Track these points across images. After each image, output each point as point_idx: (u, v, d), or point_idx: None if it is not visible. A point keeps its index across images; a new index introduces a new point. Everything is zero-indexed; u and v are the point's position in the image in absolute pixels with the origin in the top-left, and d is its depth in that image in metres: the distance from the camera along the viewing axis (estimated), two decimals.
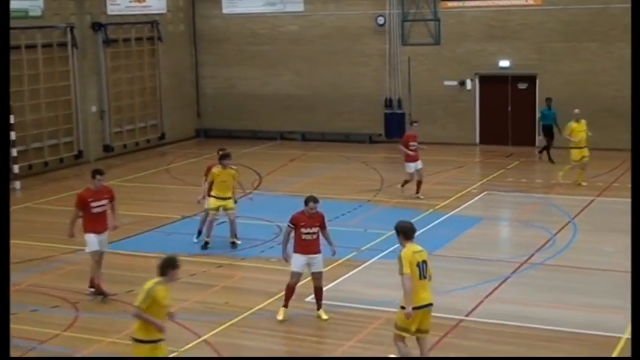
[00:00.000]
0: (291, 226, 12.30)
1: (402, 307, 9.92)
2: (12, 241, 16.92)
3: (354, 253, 15.55)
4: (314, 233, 12.29)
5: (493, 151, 26.05)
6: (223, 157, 15.99)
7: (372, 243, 16.19)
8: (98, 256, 13.49)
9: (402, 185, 19.98)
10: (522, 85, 26.74)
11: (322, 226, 12.44)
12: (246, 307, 12.75)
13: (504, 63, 26.65)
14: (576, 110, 21.39)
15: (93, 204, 13.30)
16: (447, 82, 27.39)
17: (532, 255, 15.24)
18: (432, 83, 27.61)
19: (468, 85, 27.15)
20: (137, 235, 17.40)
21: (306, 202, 12.26)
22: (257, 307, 12.78)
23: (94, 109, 26.44)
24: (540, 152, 24.67)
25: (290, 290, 12.35)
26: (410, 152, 19.55)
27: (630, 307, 9.24)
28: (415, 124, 20.42)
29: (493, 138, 27.01)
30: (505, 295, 13.23)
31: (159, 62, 28.84)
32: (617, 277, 13.96)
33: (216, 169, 16.02)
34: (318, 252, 12.37)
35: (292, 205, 18.98)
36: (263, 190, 21.36)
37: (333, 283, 13.90)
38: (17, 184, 22.25)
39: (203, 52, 30.72)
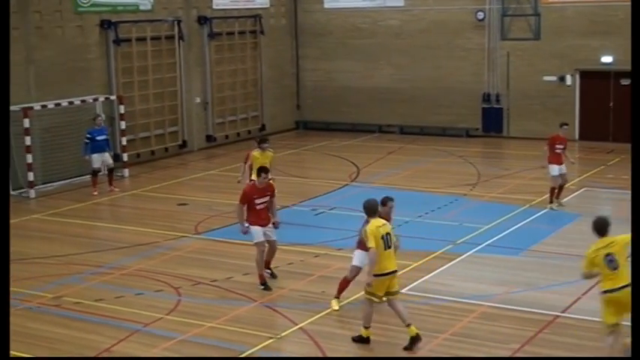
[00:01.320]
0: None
1: (374, 275, 11.09)
2: (120, 227, 17.99)
3: (449, 246, 15.72)
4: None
5: (593, 147, 25.69)
6: (262, 142, 17.04)
7: (468, 236, 16.31)
8: (264, 247, 13.68)
9: (552, 195, 18.34)
10: (625, 81, 26.26)
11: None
12: (343, 298, 13.05)
13: (607, 59, 26.22)
14: None
15: (257, 200, 13.54)
16: (546, 78, 27.12)
17: (630, 254, 15.08)
18: (530, 78, 27.38)
19: (568, 80, 26.82)
20: (237, 223, 17.87)
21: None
22: (352, 298, 13.05)
23: (197, 100, 27.25)
24: None
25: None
26: (554, 153, 18.31)
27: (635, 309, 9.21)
28: (565, 127, 18.86)
29: (593, 134, 26.60)
30: None
31: (260, 55, 29.47)
32: None
33: (256, 152, 16.81)
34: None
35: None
36: (360, 182, 21.68)
37: (429, 276, 14.13)
38: (125, 172, 23.18)
39: (304, 46, 31.21)
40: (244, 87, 29.05)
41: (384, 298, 11.35)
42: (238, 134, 28.71)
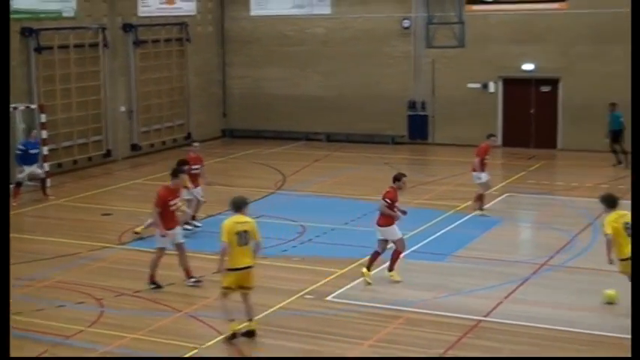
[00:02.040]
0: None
1: (228, 270, 11.65)
2: (41, 238, 17.58)
3: None
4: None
5: (515, 153, 26.17)
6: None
7: None
8: (164, 253, 14.04)
9: (481, 201, 18.66)
10: (545, 88, 26.85)
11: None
12: (268, 306, 12.99)
13: (528, 66, 26.75)
14: None
15: (171, 202, 13.94)
16: (470, 85, 27.55)
17: (552, 257, 15.40)
18: (455, 85, 27.78)
19: (491, 87, 27.29)
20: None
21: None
22: (278, 306, 13.03)
23: (122, 108, 26.89)
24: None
25: None
26: (483, 162, 18.63)
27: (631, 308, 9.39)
28: (493, 138, 19.51)
29: (516, 140, 27.12)
30: (524, 297, 13.39)
31: (187, 63, 29.26)
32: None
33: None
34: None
35: (315, 204, 19.40)
36: (287, 190, 21.65)
37: (355, 282, 14.14)
38: (48, 182, 22.69)
39: (231, 53, 31.10)
40: (170, 95, 28.79)
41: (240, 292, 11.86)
42: (164, 143, 28.43)
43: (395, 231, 14.06)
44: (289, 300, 13.33)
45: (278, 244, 16.45)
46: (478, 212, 18.59)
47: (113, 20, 26.40)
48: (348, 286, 13.98)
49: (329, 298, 13.41)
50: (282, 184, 22.50)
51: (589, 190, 20.71)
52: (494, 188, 21.15)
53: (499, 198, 20.32)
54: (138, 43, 27.05)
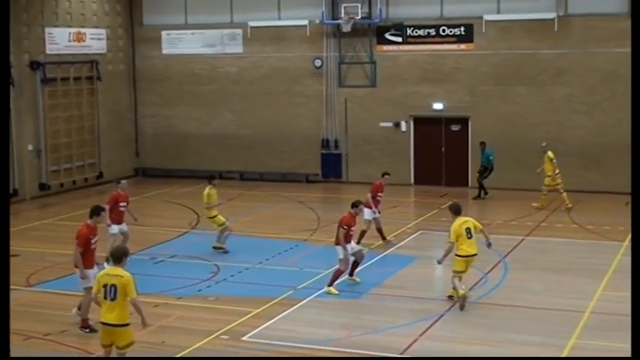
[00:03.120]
0: None
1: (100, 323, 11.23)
2: None
3: (290, 292, 15.73)
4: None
5: (427, 191, 26.58)
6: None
7: (309, 281, 16.39)
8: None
9: (361, 237, 18.81)
10: (455, 127, 27.42)
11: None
12: (183, 347, 12.79)
13: (438, 105, 27.31)
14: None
15: (92, 240, 13.75)
16: (382, 124, 27.94)
17: None
18: (368, 124, 28.12)
19: (403, 126, 27.72)
20: (72, 274, 17.14)
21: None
22: (194, 347, 12.84)
23: (30, 147, 26.29)
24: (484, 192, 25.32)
25: None
26: (375, 200, 19.29)
27: (630, 313, 9.58)
28: (387, 177, 20.00)
29: (427, 178, 27.57)
30: (439, 333, 13.52)
31: (98, 101, 28.85)
32: (545, 314, 14.42)
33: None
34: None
35: (230, 243, 19.23)
36: (200, 229, 21.44)
37: (270, 322, 14.06)
38: None
39: (143, 92, 30.83)
40: (80, 133, 28.30)
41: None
42: (74, 182, 27.87)
43: (344, 251, 15.78)
44: (205, 340, 13.14)
45: (192, 284, 16.25)
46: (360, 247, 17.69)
47: (20, 57, 25.87)
48: (264, 326, 13.87)
49: (244, 338, 13.28)
50: (196, 223, 22.28)
51: (500, 227, 21.15)
52: (406, 226, 21.44)
53: (412, 235, 20.56)
54: (46, 80, 26.57)
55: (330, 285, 15.69)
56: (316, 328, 13.83)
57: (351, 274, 16.31)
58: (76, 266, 13.69)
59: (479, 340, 13.18)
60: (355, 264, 16.33)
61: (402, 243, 19.70)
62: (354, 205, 16.21)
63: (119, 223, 17.80)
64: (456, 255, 14.79)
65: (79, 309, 13.89)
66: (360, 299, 15.47)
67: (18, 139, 25.74)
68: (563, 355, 12.48)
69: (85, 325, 13.57)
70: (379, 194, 19.54)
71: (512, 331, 13.59)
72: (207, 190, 18.98)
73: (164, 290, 15.93)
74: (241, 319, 14.11)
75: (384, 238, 19.54)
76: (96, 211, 13.95)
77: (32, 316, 14.59)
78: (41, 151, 26.66)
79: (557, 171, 23.19)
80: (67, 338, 13.38)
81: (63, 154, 27.51)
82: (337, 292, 15.56)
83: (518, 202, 24.29)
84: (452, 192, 26.32)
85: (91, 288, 13.29)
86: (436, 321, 14.07)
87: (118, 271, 10.90)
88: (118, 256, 11.06)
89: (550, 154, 23.30)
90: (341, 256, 15.78)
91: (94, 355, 12.65)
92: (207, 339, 13.20)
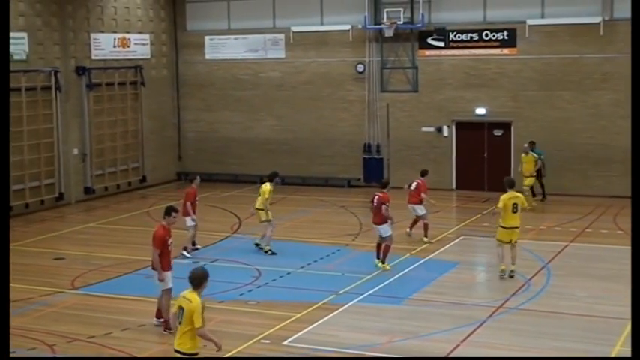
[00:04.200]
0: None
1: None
2: None
3: (332, 297, 15.73)
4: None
5: (469, 197, 26.43)
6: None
7: (350, 286, 16.38)
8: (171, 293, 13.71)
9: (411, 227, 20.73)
10: (498, 132, 27.23)
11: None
12: (225, 351, 12.84)
13: (481, 110, 27.15)
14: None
15: (169, 241, 13.72)
16: (424, 129, 27.84)
17: (507, 299, 15.48)
18: (409, 129, 28.05)
19: (445, 131, 27.60)
20: (116, 277, 17.53)
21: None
22: (235, 351, 12.89)
23: (75, 151, 26.66)
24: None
25: None
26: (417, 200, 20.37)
27: (630, 315, 9.65)
28: (426, 176, 20.94)
29: (469, 183, 27.41)
30: (481, 339, 13.42)
31: (141, 106, 29.16)
32: (589, 321, 14.26)
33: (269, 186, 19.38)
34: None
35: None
36: (242, 234, 21.55)
37: (312, 326, 14.07)
38: None
39: (186, 97, 31.09)
40: (124, 138, 28.63)
41: None
42: (118, 186, 28.19)
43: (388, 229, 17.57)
44: (246, 345, 13.19)
45: (234, 288, 16.33)
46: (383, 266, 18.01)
47: (66, 63, 26.27)
48: (305, 330, 13.89)
49: (285, 342, 13.31)
50: (237, 227, 22.39)
51: (543, 233, 20.97)
52: (449, 231, 21.32)
53: (454, 241, 20.44)
54: (91, 86, 26.92)
55: (383, 262, 17.50)
56: (357, 333, 13.80)
57: (383, 260, 17.61)
58: (154, 268, 13.70)
59: (521, 347, 13.06)
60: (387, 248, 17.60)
61: (444, 248, 19.60)
62: (386, 184, 18.34)
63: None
64: (500, 226, 16.74)
65: (157, 317, 13.96)
66: (401, 305, 15.42)
67: (64, 144, 26.10)
68: None
69: (168, 326, 13.56)
70: (422, 193, 20.34)
71: (555, 338, 13.44)
72: (268, 186, 19.31)
73: (206, 294, 15.69)
74: (282, 324, 14.15)
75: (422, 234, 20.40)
76: (168, 212, 13.86)
77: (76, 318, 14.77)
78: (86, 156, 27.01)
79: (534, 173, 24.24)
80: (110, 341, 13.52)
81: (107, 158, 27.85)
82: (389, 268, 17.38)
83: (563, 208, 24.05)
84: (494, 197, 26.02)
85: (169, 290, 13.60)
86: (478, 327, 13.98)
87: (192, 295, 10.04)
88: (198, 282, 10.06)
89: (533, 154, 24.19)
90: (389, 232, 17.62)
91: (133, 356, 12.76)
92: (248, 343, 13.25)
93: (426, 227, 20.14)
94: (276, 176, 19.79)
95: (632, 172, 11.17)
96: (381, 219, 17.52)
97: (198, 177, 20.54)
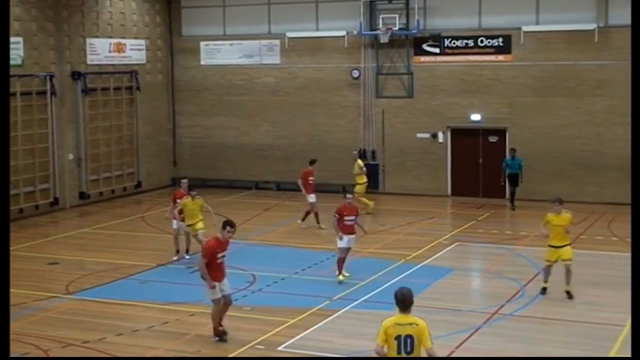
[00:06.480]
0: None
1: None
2: None
3: (326, 302, 15.72)
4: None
5: (464, 203, 26.44)
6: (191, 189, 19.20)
7: (344, 292, 16.37)
8: (221, 303, 13.61)
9: (304, 219, 22.73)
10: (493, 138, 27.26)
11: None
12: (220, 356, 12.84)
13: (476, 116, 27.18)
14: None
15: (219, 254, 13.39)
16: (419, 135, 27.86)
17: (502, 306, 15.48)
18: (405, 135, 28.07)
19: (440, 137, 27.63)
20: (111, 282, 17.50)
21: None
22: (230, 356, 12.89)
23: (70, 156, 26.63)
24: (512, 203, 25.31)
25: None
26: (306, 188, 22.74)
27: (630, 314, 9.57)
28: (315, 164, 23.51)
29: (464, 190, 27.43)
30: (476, 346, 13.42)
31: (137, 111, 29.15)
32: (584, 328, 14.26)
33: (186, 200, 18.90)
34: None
35: (266, 253, 19.30)
36: (237, 239, 21.43)
37: (306, 332, 14.06)
38: None
39: (181, 102, 31.08)
40: (119, 143, 28.60)
41: None
42: (113, 191, 28.16)
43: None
44: (240, 350, 13.18)
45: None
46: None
47: (61, 68, 26.25)
48: (300, 336, 13.87)
49: (280, 348, 13.29)
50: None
51: (537, 240, 20.93)
52: (443, 237, 21.34)
53: (449, 247, 20.44)
54: (87, 91, 26.91)
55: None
56: (352, 339, 13.79)
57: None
58: (203, 277, 13.39)
59: (516, 353, 13.06)
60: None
61: (439, 254, 19.60)
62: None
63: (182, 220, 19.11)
64: (548, 245, 16.17)
65: (215, 335, 13.68)
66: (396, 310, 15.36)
67: (59, 149, 26.08)
68: None
69: (217, 333, 13.51)
70: (310, 178, 22.74)
71: (550, 344, 13.45)
72: (358, 161, 24.54)
73: (201, 299, 15.97)
74: (277, 329, 14.13)
75: (318, 221, 22.50)
76: (224, 225, 13.41)
77: (71, 323, 14.74)
78: (81, 161, 26.99)
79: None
80: (105, 346, 13.49)
81: (102, 163, 27.83)
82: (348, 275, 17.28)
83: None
84: (489, 203, 26.17)
85: (218, 300, 13.38)
86: (473, 334, 13.97)
87: (411, 319, 9.17)
88: (409, 304, 9.29)
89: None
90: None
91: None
92: (243, 349, 13.24)
93: (316, 215, 22.46)
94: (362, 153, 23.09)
95: (632, 177, 11.16)
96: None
97: (185, 180, 20.53)
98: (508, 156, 25.58)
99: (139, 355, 13.08)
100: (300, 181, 22.95)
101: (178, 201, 19.24)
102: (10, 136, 24.13)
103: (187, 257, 19.23)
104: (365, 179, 25.27)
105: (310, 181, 22.84)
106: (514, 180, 25.27)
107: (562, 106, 26.20)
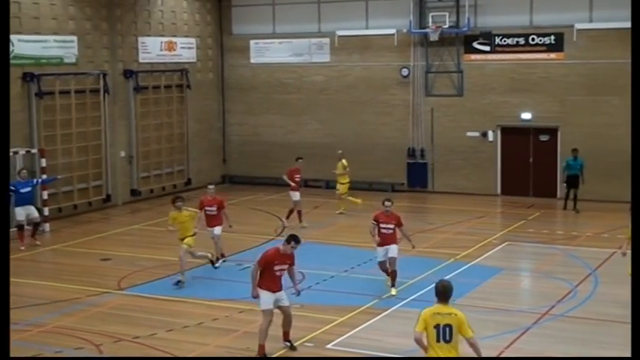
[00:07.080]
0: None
1: None
2: (39, 283, 17.57)
3: (375, 301, 15.72)
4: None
5: (514, 202, 26.21)
6: (176, 200, 17.56)
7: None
8: (271, 316, 12.89)
9: (288, 217, 22.84)
10: (544, 137, 26.98)
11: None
12: (267, 353, 12.90)
13: (526, 115, 26.93)
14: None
15: (277, 267, 12.79)
16: (469, 133, 27.70)
17: (553, 306, 15.32)
18: (454, 134, 27.92)
19: (490, 136, 27.43)
20: (161, 278, 17.69)
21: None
22: (278, 354, 12.94)
23: (122, 154, 26.99)
24: (566, 203, 24.78)
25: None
26: (293, 184, 22.83)
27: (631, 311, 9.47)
28: (300, 161, 23.71)
29: (514, 189, 27.18)
30: (525, 346, 13.31)
31: (187, 109, 29.42)
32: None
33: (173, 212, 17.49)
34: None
35: (313, 251, 19.36)
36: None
37: (355, 330, 14.07)
38: (46, 227, 22.66)
39: (230, 100, 31.30)
40: (170, 141, 28.90)
41: None
42: (163, 188, 28.45)
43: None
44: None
45: None
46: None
47: (114, 66, 26.61)
48: (348, 334, 13.90)
49: (329, 346, 13.33)
50: (281, 230, 22.47)
51: (589, 240, 20.73)
52: (493, 237, 21.18)
53: (499, 247, 20.29)
54: (138, 89, 27.24)
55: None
56: (401, 337, 13.72)
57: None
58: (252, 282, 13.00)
59: (566, 354, 12.93)
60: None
61: (488, 254, 19.46)
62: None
63: (212, 226, 18.69)
64: None
65: (284, 340, 13.19)
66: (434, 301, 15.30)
67: (111, 146, 26.44)
68: None
69: (260, 354, 12.71)
70: (296, 176, 22.95)
71: (601, 346, 13.29)
72: (343, 161, 24.85)
73: (250, 297, 16.08)
74: (326, 327, 14.17)
75: (300, 220, 22.63)
76: (288, 239, 12.86)
77: (122, 319, 14.94)
78: (133, 158, 27.32)
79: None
80: (155, 341, 13.65)
81: (153, 160, 28.14)
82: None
83: (610, 215, 23.72)
84: (539, 203, 25.90)
85: (268, 311, 12.78)
86: (522, 334, 13.86)
87: (450, 309, 9.67)
88: (449, 295, 9.76)
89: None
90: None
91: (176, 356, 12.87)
92: None
93: (299, 214, 22.66)
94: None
95: (632, 177, 11.01)
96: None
97: (212, 185, 19.75)
98: (570, 156, 24.95)
99: (188, 351, 13.21)
100: (285, 177, 23.24)
101: (207, 208, 18.80)
102: (65, 134, 24.66)
103: (221, 261, 18.72)
104: (347, 179, 25.19)
105: (297, 179, 23.03)
106: (575, 181, 24.57)
107: (614, 104, 25.82)
